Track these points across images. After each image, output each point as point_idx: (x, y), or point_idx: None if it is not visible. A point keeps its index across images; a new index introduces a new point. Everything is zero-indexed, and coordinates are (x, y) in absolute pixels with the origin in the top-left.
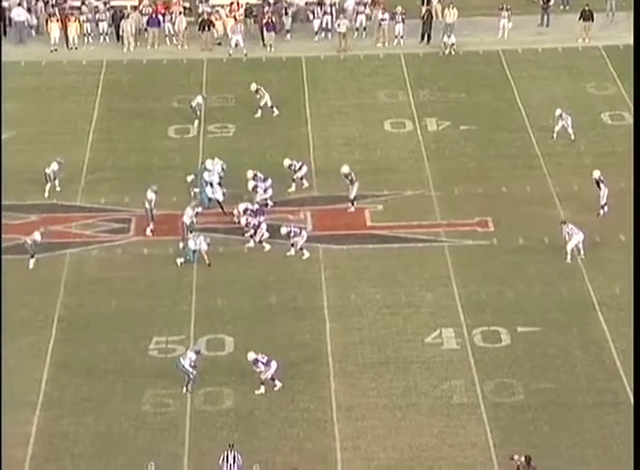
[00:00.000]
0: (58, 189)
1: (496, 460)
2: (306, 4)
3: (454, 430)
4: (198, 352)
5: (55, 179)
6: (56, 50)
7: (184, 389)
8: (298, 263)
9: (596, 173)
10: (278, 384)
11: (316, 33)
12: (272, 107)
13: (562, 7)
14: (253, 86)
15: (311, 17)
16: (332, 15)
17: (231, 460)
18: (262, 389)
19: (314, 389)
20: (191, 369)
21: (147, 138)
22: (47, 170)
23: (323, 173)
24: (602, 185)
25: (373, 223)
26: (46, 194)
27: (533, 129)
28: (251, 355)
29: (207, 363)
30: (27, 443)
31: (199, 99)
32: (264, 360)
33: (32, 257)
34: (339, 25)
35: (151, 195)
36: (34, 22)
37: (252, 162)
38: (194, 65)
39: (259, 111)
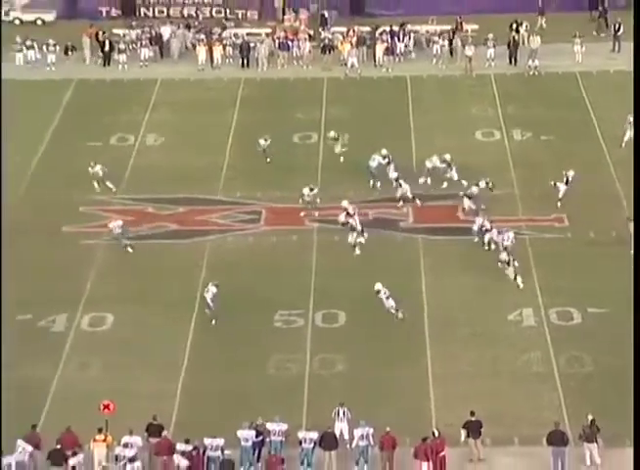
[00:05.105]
0: (112, 189)
1: (568, 422)
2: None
3: (532, 395)
4: (217, 286)
5: (104, 181)
6: (202, 70)
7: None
8: (402, 252)
9: (570, 173)
10: (400, 314)
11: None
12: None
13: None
14: (332, 134)
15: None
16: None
17: (342, 415)
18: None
19: (413, 357)
20: (212, 303)
21: (275, 144)
22: (91, 171)
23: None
24: (562, 184)
25: (465, 217)
26: (113, 190)
27: (604, 139)
28: (378, 286)
29: (322, 333)
30: (175, 396)
31: (261, 140)
32: (388, 293)
33: (125, 247)
34: (465, 50)
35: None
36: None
37: (362, 167)
38: (316, 82)
39: (340, 150)
